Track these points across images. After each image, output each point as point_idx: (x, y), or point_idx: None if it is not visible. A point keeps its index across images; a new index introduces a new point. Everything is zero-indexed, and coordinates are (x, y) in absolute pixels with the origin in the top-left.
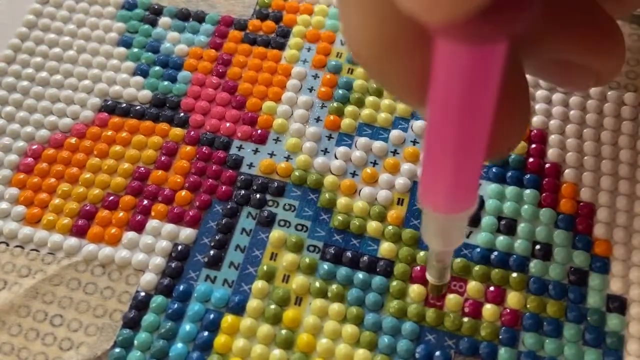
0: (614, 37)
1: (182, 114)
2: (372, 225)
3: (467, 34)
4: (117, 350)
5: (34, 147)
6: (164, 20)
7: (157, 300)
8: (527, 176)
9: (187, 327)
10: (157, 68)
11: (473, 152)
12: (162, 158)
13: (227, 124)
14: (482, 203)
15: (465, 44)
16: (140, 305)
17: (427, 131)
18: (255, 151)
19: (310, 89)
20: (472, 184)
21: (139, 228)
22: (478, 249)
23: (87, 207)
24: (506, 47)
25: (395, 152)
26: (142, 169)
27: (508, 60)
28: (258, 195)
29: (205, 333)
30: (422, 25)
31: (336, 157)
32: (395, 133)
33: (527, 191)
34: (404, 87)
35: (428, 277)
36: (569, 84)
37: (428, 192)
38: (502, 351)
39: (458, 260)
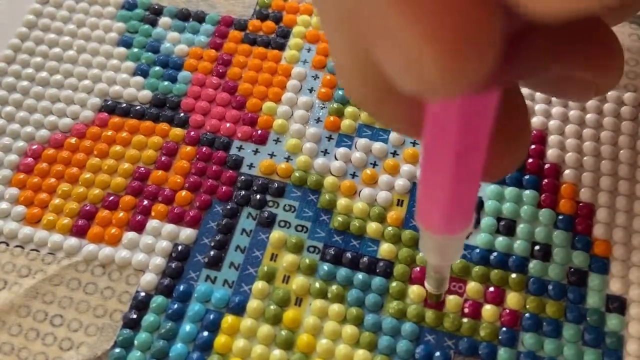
0: (614, 49)
1: (182, 114)
2: (372, 226)
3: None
4: (117, 350)
5: (34, 147)
6: (164, 20)
7: (157, 300)
8: (527, 177)
9: (187, 327)
10: (157, 68)
11: (469, 180)
12: (162, 158)
13: (227, 125)
14: (481, 204)
15: (458, 97)
16: (141, 306)
17: (423, 161)
18: (256, 152)
19: (310, 90)
20: (468, 207)
21: (139, 228)
22: (477, 250)
23: (87, 207)
24: (501, 91)
25: (395, 154)
26: (142, 169)
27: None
28: (258, 196)
29: (206, 333)
30: None
31: (336, 158)
32: (395, 134)
33: (527, 192)
34: (397, 124)
35: (426, 285)
36: (567, 96)
37: (425, 214)
38: (502, 351)
39: (458, 261)
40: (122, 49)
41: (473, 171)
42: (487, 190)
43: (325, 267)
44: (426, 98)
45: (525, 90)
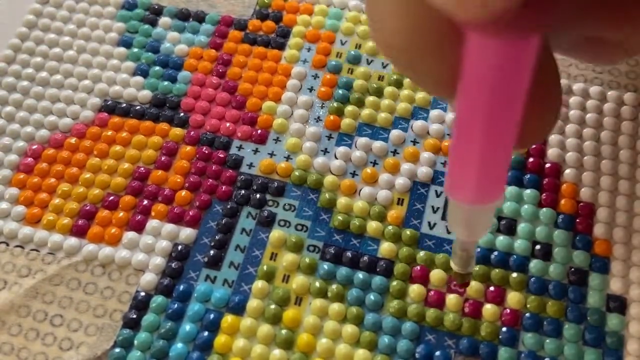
0: None
1: (182, 114)
2: (372, 225)
3: (500, 28)
4: (117, 350)
5: (34, 147)
6: (164, 20)
7: (157, 300)
8: (527, 176)
9: (187, 327)
10: (157, 68)
11: (502, 144)
12: (162, 158)
13: (227, 124)
14: None
15: (498, 38)
16: (140, 305)
17: (456, 123)
18: (255, 151)
19: (310, 89)
20: (499, 176)
21: (139, 228)
22: (478, 249)
23: (87, 207)
24: (540, 40)
25: (395, 152)
26: (142, 169)
27: (539, 47)
28: (258, 195)
29: (205, 333)
30: (454, 19)
31: (336, 157)
32: (395, 133)
33: (527, 191)
34: (433, 79)
35: (452, 265)
36: (597, 59)
37: (455, 183)
38: (502, 351)
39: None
40: (122, 49)
41: (506, 134)
42: None
43: (325, 266)
44: (459, 20)
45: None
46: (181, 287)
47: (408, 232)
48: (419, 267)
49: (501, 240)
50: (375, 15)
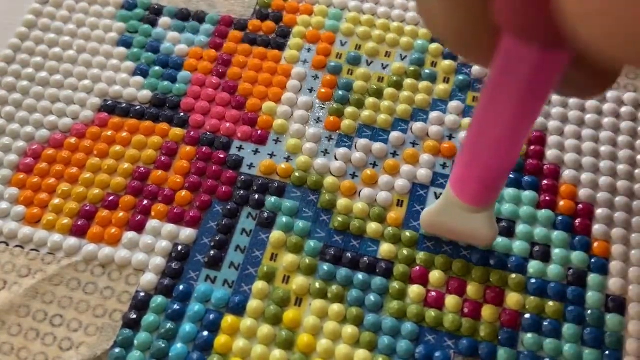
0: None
1: (182, 114)
2: (372, 227)
3: (540, 36)
4: (117, 350)
5: (34, 147)
6: (164, 20)
7: (157, 300)
8: (526, 178)
9: (187, 327)
10: (157, 68)
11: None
12: (162, 158)
13: (227, 125)
14: None
15: (536, 46)
16: (140, 306)
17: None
18: (256, 152)
19: (310, 90)
20: (500, 184)
21: (139, 228)
22: (477, 250)
23: (87, 207)
24: (569, 55)
25: (395, 154)
26: (142, 169)
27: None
28: (258, 196)
29: (206, 333)
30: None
31: (336, 159)
32: (395, 134)
33: (526, 193)
34: (477, 60)
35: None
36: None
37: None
38: (502, 352)
39: (457, 261)
40: (122, 49)
41: (524, 133)
42: None
43: (325, 267)
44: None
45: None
46: (181, 288)
47: (408, 233)
48: (418, 268)
49: (500, 241)
50: (426, 12)
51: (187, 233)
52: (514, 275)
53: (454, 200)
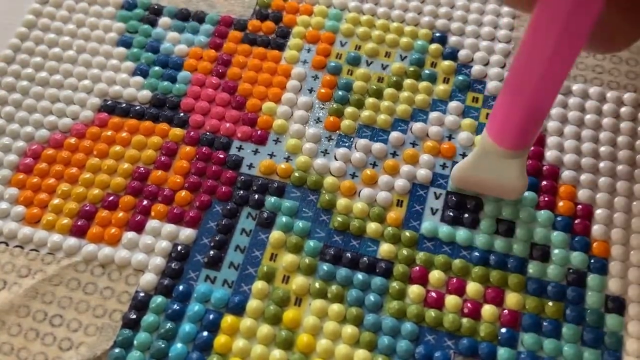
0: None
1: (182, 114)
2: (372, 227)
3: None
4: (117, 350)
5: (34, 147)
6: (164, 20)
7: (157, 300)
8: None
9: (186, 327)
10: (157, 68)
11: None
12: (162, 158)
13: (227, 125)
14: (480, 206)
15: None
16: (140, 306)
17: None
18: (255, 152)
19: (310, 90)
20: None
21: (139, 228)
22: (477, 251)
23: (87, 207)
24: None
25: (394, 154)
26: (142, 169)
27: None
28: (257, 196)
29: (205, 333)
30: None
31: (336, 159)
32: (394, 135)
33: (525, 193)
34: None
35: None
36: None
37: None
38: (502, 351)
39: (457, 261)
40: (121, 49)
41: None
42: None
43: (325, 267)
44: None
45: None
46: (181, 288)
47: (407, 233)
48: (418, 268)
49: (500, 242)
50: None
51: (186, 233)
52: (513, 276)
53: (491, 148)
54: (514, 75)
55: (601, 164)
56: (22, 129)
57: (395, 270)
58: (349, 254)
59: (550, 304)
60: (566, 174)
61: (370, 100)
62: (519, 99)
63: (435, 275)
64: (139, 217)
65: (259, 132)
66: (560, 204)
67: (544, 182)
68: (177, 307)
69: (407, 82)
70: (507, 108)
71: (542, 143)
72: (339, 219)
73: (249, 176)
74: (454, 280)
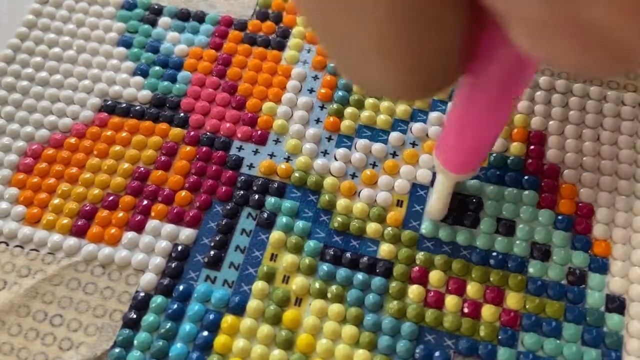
0: None
1: (182, 114)
2: (372, 227)
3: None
4: (117, 350)
5: (34, 147)
6: (164, 20)
7: (157, 300)
8: (526, 177)
9: (187, 327)
10: (157, 68)
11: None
12: (162, 158)
13: (227, 125)
14: (481, 204)
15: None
16: (140, 306)
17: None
18: (256, 152)
19: (310, 90)
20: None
21: (139, 228)
22: (477, 250)
23: (87, 207)
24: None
25: (394, 154)
26: (142, 169)
27: None
28: (258, 196)
29: (205, 333)
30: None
31: (336, 159)
32: (394, 135)
33: (526, 192)
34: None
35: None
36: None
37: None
38: (502, 351)
39: (457, 261)
40: (122, 49)
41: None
42: (487, 190)
43: (325, 267)
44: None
45: (525, 93)
46: (181, 288)
47: (407, 233)
48: (418, 268)
49: (500, 241)
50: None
51: (187, 233)
52: (514, 275)
53: (444, 173)
54: (457, 118)
55: (602, 163)
56: (22, 129)
57: (395, 270)
58: (349, 254)
59: (551, 303)
60: (567, 173)
61: (370, 101)
62: (461, 139)
63: (435, 275)
64: (139, 217)
65: (259, 132)
66: (561, 202)
67: (545, 181)
68: (177, 307)
69: None
70: (454, 142)
71: (542, 142)
72: (339, 219)
73: (249, 176)
74: (454, 280)
